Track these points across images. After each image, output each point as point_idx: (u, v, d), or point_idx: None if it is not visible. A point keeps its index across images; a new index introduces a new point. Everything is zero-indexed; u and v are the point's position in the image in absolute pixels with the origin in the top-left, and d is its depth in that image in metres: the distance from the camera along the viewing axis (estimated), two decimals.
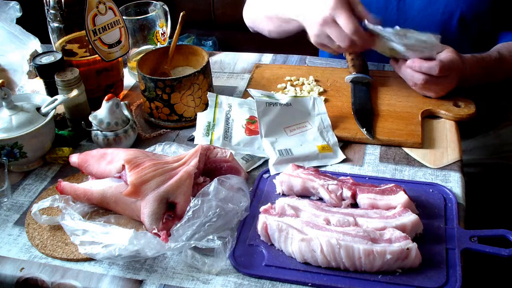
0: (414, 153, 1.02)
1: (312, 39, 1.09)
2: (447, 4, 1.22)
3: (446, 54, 1.07)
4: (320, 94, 1.18)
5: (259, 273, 0.79)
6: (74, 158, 0.96)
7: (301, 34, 1.15)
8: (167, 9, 1.32)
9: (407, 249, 0.76)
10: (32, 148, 1.00)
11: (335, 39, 1.04)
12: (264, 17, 1.34)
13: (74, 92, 1.07)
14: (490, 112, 1.29)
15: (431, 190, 0.92)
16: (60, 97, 1.04)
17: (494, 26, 1.24)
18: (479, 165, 1.23)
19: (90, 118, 1.03)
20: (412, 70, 1.10)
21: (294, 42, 2.34)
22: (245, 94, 1.19)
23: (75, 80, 1.06)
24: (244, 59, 1.39)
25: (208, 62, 1.12)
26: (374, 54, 1.30)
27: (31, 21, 1.35)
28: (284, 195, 0.93)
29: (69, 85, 1.06)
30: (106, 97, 1.03)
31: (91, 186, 0.90)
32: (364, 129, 1.05)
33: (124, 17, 1.18)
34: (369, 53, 1.27)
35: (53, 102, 1.03)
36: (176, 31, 1.16)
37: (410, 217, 0.82)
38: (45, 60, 1.09)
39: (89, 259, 0.84)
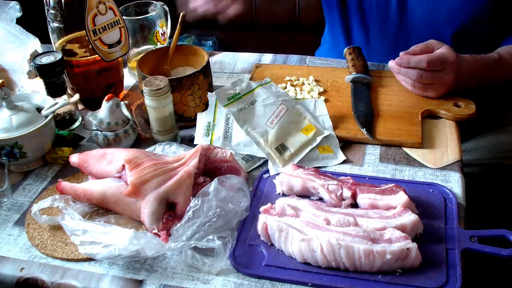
0: (414, 153, 1.02)
1: None
2: (449, 12, 1.23)
3: (439, 50, 1.09)
4: (320, 94, 1.18)
5: (259, 273, 0.79)
6: (74, 158, 0.96)
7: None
8: (167, 9, 1.32)
9: (407, 249, 0.76)
10: (32, 148, 1.00)
11: None
12: None
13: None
14: (490, 112, 1.29)
15: (431, 190, 0.92)
16: (61, 101, 1.04)
17: (494, 35, 1.25)
18: (479, 165, 1.23)
19: (90, 118, 1.04)
20: (403, 66, 1.11)
21: (294, 42, 2.36)
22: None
23: (166, 87, 1.01)
24: (244, 59, 1.39)
25: (208, 62, 1.12)
26: (374, 54, 1.31)
27: (31, 21, 1.35)
28: (284, 195, 0.93)
29: (158, 94, 1.00)
30: (106, 97, 1.03)
31: (91, 186, 0.90)
32: (364, 129, 1.05)
33: (124, 17, 1.18)
34: (369, 53, 1.28)
35: (54, 105, 1.03)
36: (176, 31, 1.16)
37: (410, 217, 0.82)
38: (45, 60, 1.09)
39: (89, 259, 0.84)
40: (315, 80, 1.23)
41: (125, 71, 1.29)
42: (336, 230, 0.79)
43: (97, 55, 1.13)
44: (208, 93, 1.10)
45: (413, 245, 0.77)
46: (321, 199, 0.90)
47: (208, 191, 0.85)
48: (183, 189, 0.86)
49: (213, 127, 1.06)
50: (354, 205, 0.89)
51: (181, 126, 1.12)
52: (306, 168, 0.94)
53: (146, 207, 0.85)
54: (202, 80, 1.10)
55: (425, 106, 1.11)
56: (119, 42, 1.16)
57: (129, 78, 1.31)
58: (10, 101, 1.01)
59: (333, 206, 0.87)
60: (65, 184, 0.92)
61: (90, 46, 1.11)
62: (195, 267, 0.81)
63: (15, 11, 1.29)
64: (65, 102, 1.05)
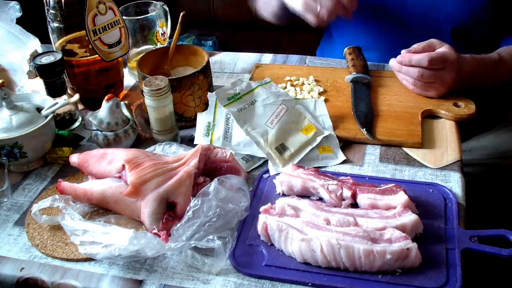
0: (414, 153, 1.02)
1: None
2: (448, 12, 1.23)
3: (440, 49, 1.09)
4: (320, 94, 1.18)
5: (259, 273, 0.79)
6: (74, 158, 0.96)
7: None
8: (167, 9, 1.32)
9: (407, 249, 0.76)
10: (32, 148, 1.00)
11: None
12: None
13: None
14: (490, 112, 1.29)
15: (431, 190, 0.92)
16: (61, 101, 1.04)
17: (493, 34, 1.25)
18: (479, 165, 1.23)
19: (90, 118, 1.04)
20: (405, 65, 1.11)
21: (294, 42, 2.35)
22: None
23: (166, 87, 1.01)
24: (244, 59, 1.39)
25: (208, 62, 1.12)
26: (374, 54, 1.31)
27: (31, 21, 1.35)
28: (284, 195, 0.93)
29: (158, 94, 1.00)
30: (106, 97, 1.03)
31: (91, 186, 0.90)
32: (364, 129, 1.05)
33: (124, 17, 1.18)
34: (369, 53, 1.28)
35: (54, 105, 1.03)
36: (176, 31, 1.16)
37: (410, 217, 0.82)
38: (45, 60, 1.09)
39: (89, 259, 0.84)
40: (315, 80, 1.23)
41: (125, 71, 1.29)
42: (336, 230, 0.79)
43: (97, 55, 1.13)
44: (208, 93, 1.10)
45: (413, 245, 0.77)
46: (321, 199, 0.90)
47: (208, 191, 0.85)
48: (183, 189, 0.86)
49: (213, 127, 1.06)
50: (354, 205, 0.89)
51: (181, 126, 1.12)
52: (306, 168, 0.94)
53: (146, 207, 0.85)
54: (202, 80, 1.10)
55: (425, 106, 1.11)
56: (119, 42, 1.16)
57: (129, 78, 1.31)
58: (10, 101, 1.01)
59: (333, 206, 0.87)
60: (65, 184, 0.92)
61: (90, 46, 1.11)
62: (195, 267, 0.81)
63: (15, 11, 1.29)
64: (65, 102, 1.05)
